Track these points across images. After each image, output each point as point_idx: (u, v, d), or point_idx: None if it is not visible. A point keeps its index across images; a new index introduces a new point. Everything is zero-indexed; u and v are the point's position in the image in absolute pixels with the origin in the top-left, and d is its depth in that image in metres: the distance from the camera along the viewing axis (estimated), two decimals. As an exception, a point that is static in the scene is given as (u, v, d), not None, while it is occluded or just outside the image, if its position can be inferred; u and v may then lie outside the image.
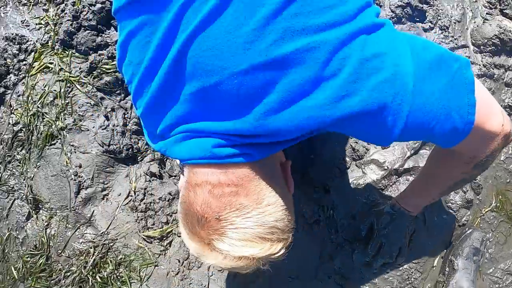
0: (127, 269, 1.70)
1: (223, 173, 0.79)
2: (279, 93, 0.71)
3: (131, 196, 1.77)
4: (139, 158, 1.84)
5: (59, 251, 1.79)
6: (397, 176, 1.71)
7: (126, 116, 1.83)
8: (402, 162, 1.71)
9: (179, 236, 1.74)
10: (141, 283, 1.68)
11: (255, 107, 0.73)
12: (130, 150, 1.79)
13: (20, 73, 1.90)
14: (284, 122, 0.73)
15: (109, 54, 1.76)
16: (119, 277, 1.70)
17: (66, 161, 1.79)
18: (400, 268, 1.65)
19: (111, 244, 1.73)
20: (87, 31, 1.79)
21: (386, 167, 1.70)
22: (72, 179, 1.78)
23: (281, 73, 0.70)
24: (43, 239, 1.80)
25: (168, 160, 1.88)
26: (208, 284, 1.67)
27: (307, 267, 1.68)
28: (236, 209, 0.77)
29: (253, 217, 0.78)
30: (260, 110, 0.73)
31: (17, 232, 1.85)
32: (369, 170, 1.70)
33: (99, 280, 1.69)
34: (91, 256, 1.73)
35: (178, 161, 1.83)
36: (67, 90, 1.82)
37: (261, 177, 0.81)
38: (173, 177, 1.83)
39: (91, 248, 1.75)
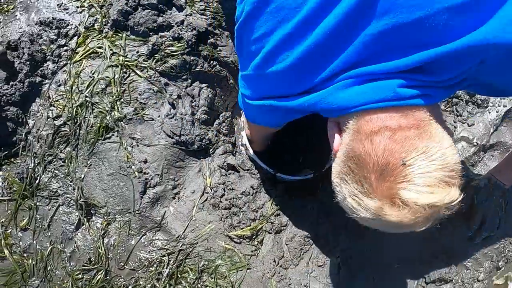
0: (212, 276, 1.45)
1: (403, 116, 0.75)
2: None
3: (207, 193, 1.54)
4: (210, 150, 1.62)
5: (121, 264, 1.50)
6: (483, 152, 1.67)
7: (193, 104, 1.62)
8: (488, 138, 1.68)
9: (270, 233, 1.53)
10: (232, 290, 1.43)
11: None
12: (203, 141, 1.57)
13: (60, 60, 1.63)
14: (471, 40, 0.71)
15: (174, 35, 1.56)
16: (203, 287, 1.44)
17: (127, 156, 1.53)
18: (497, 242, 1.58)
19: (190, 249, 1.47)
20: (147, 10, 1.58)
21: (475, 143, 1.67)
22: (135, 176, 1.52)
23: None
24: (99, 250, 1.49)
25: (238, 153, 1.68)
26: (309, 282, 1.47)
27: (412, 251, 1.54)
28: (422, 152, 0.72)
29: (437, 160, 0.72)
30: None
31: (63, 245, 1.52)
32: (460, 147, 1.65)
33: (180, 292, 1.42)
34: (164, 266, 1.46)
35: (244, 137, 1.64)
36: (123, 76, 1.57)
37: (437, 120, 0.78)
38: (248, 171, 1.63)
39: (163, 256, 1.47)
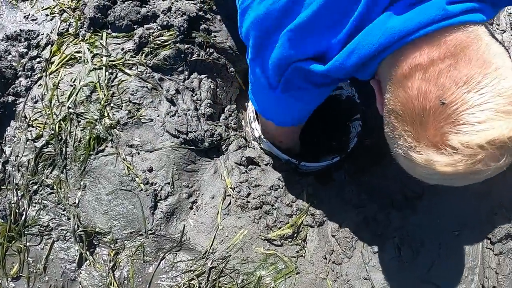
0: (255, 291, 1.15)
1: (435, 47, 0.62)
2: None
3: (229, 195, 1.27)
4: (223, 147, 1.37)
5: (140, 300, 1.18)
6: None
7: (195, 98, 1.37)
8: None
9: (313, 226, 1.26)
10: (283, 304, 1.13)
11: None
12: (214, 136, 1.32)
13: (34, 73, 1.37)
14: None
15: (163, 23, 1.34)
16: (248, 307, 1.14)
17: (127, 168, 1.25)
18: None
19: (223, 264, 1.18)
20: (127, 2, 1.37)
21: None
22: (141, 190, 1.23)
23: None
24: (111, 287, 1.18)
25: (252, 149, 1.43)
26: (369, 274, 1.19)
27: (468, 214, 1.30)
28: (464, 83, 0.57)
29: (487, 87, 0.57)
30: None
31: (65, 290, 1.20)
32: None
33: (219, 319, 1.11)
34: (194, 291, 1.15)
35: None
36: (109, 78, 1.33)
37: (480, 38, 0.63)
38: (269, 165, 1.38)
39: (192, 280, 1.17)
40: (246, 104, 1.55)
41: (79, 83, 1.32)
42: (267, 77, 0.87)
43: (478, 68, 0.58)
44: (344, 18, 0.73)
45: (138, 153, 1.26)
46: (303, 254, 1.18)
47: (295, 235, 1.20)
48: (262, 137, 1.31)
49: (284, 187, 1.26)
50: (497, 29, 1.63)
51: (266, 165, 1.37)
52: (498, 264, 1.24)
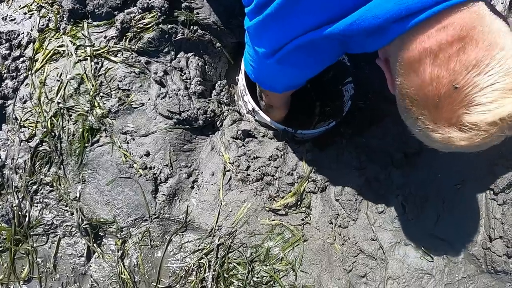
0: (266, 263, 1.10)
1: (442, 29, 0.60)
2: None
3: (229, 170, 1.21)
4: (218, 123, 1.30)
5: (153, 284, 1.13)
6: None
7: (184, 77, 1.30)
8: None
9: (315, 193, 1.20)
10: (295, 272, 1.08)
11: None
12: (207, 113, 1.25)
13: (19, 74, 1.29)
14: None
15: (143, 6, 1.26)
16: (260, 278, 1.09)
17: (124, 155, 1.19)
18: None
19: (230, 240, 1.12)
20: (104, -11, 1.28)
21: None
22: (141, 175, 1.17)
23: None
24: (122, 276, 1.13)
25: (247, 122, 1.36)
26: (376, 234, 1.13)
27: (468, 167, 1.23)
28: (473, 67, 0.58)
29: (494, 68, 0.58)
30: None
31: (78, 284, 1.15)
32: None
33: (233, 294, 1.06)
34: (205, 270, 1.10)
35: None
36: (95, 67, 1.25)
37: (483, 17, 0.62)
38: (265, 136, 1.31)
39: (201, 259, 1.11)
40: (236, 78, 1.48)
41: (66, 77, 1.25)
42: (264, 46, 0.81)
43: (486, 51, 0.59)
44: None
45: (133, 139, 1.20)
46: (308, 221, 1.12)
47: (299, 203, 1.14)
48: (256, 109, 1.24)
49: (282, 157, 1.20)
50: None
51: (262, 136, 1.30)
52: (502, 214, 1.18)
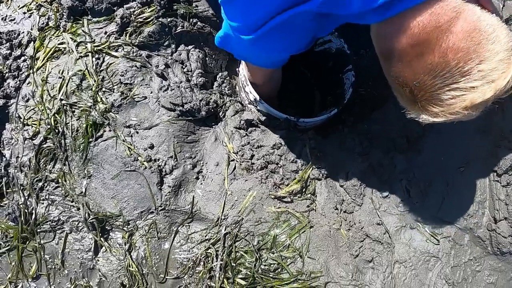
0: (273, 250, 1.08)
1: (429, 21, 0.63)
2: None
3: (233, 160, 1.19)
4: (220, 114, 1.28)
5: (161, 276, 1.12)
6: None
7: (185, 70, 1.28)
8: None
9: (320, 179, 1.18)
10: (302, 258, 1.06)
11: None
12: (209, 104, 1.23)
13: (21, 73, 1.28)
14: None
15: (142, 0, 1.24)
16: (267, 266, 1.07)
17: (128, 149, 1.17)
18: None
19: (237, 229, 1.11)
20: (102, -15, 1.27)
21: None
22: (145, 168, 1.16)
23: None
24: (130, 269, 1.11)
25: (250, 112, 1.34)
26: (381, 219, 1.12)
27: (470, 149, 1.21)
28: (476, 54, 0.62)
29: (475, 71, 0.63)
30: None
31: (86, 279, 1.13)
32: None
33: (242, 283, 1.04)
34: (213, 260, 1.09)
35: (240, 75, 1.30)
36: (97, 63, 1.24)
37: (467, 7, 0.65)
38: (268, 126, 1.29)
39: (208, 249, 1.10)
40: (237, 69, 1.46)
41: (68, 74, 1.23)
42: (236, 20, 0.77)
43: (472, 49, 0.62)
44: None
45: (137, 132, 1.18)
46: (314, 208, 1.11)
47: (304, 189, 1.13)
48: (258, 99, 1.23)
49: (286, 145, 1.18)
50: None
51: (266, 126, 1.29)
52: (507, 195, 1.17)
